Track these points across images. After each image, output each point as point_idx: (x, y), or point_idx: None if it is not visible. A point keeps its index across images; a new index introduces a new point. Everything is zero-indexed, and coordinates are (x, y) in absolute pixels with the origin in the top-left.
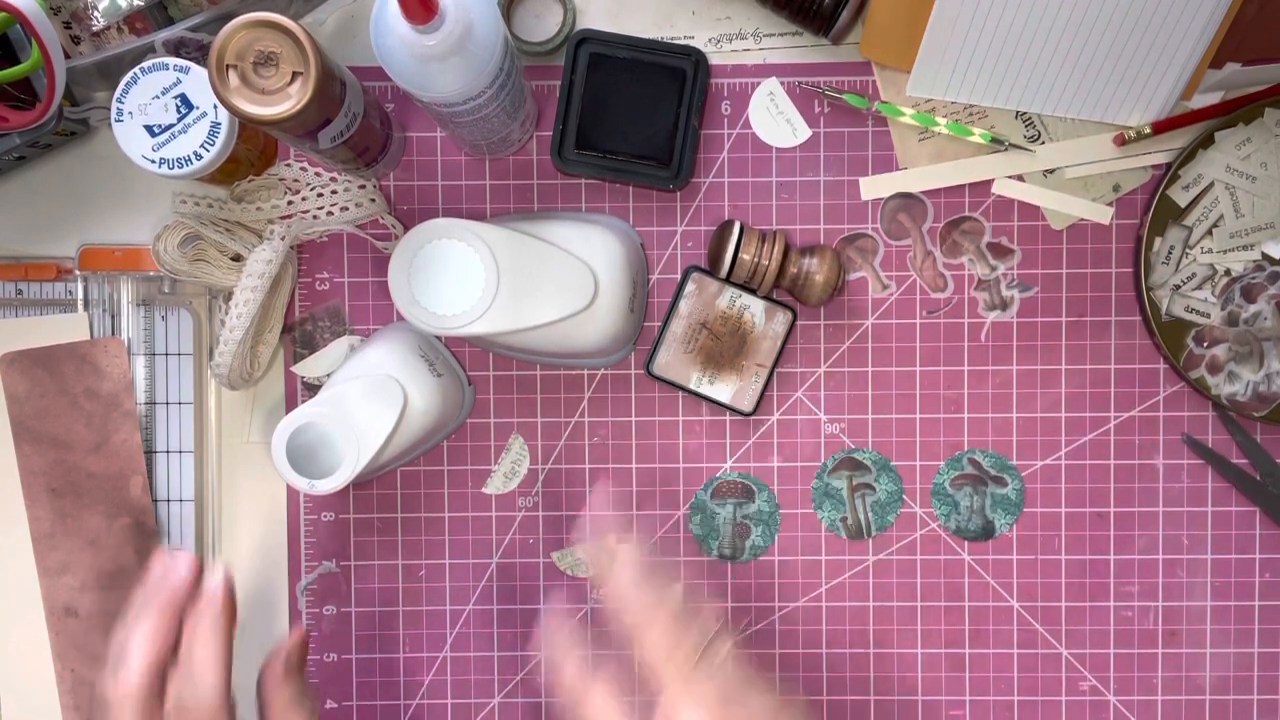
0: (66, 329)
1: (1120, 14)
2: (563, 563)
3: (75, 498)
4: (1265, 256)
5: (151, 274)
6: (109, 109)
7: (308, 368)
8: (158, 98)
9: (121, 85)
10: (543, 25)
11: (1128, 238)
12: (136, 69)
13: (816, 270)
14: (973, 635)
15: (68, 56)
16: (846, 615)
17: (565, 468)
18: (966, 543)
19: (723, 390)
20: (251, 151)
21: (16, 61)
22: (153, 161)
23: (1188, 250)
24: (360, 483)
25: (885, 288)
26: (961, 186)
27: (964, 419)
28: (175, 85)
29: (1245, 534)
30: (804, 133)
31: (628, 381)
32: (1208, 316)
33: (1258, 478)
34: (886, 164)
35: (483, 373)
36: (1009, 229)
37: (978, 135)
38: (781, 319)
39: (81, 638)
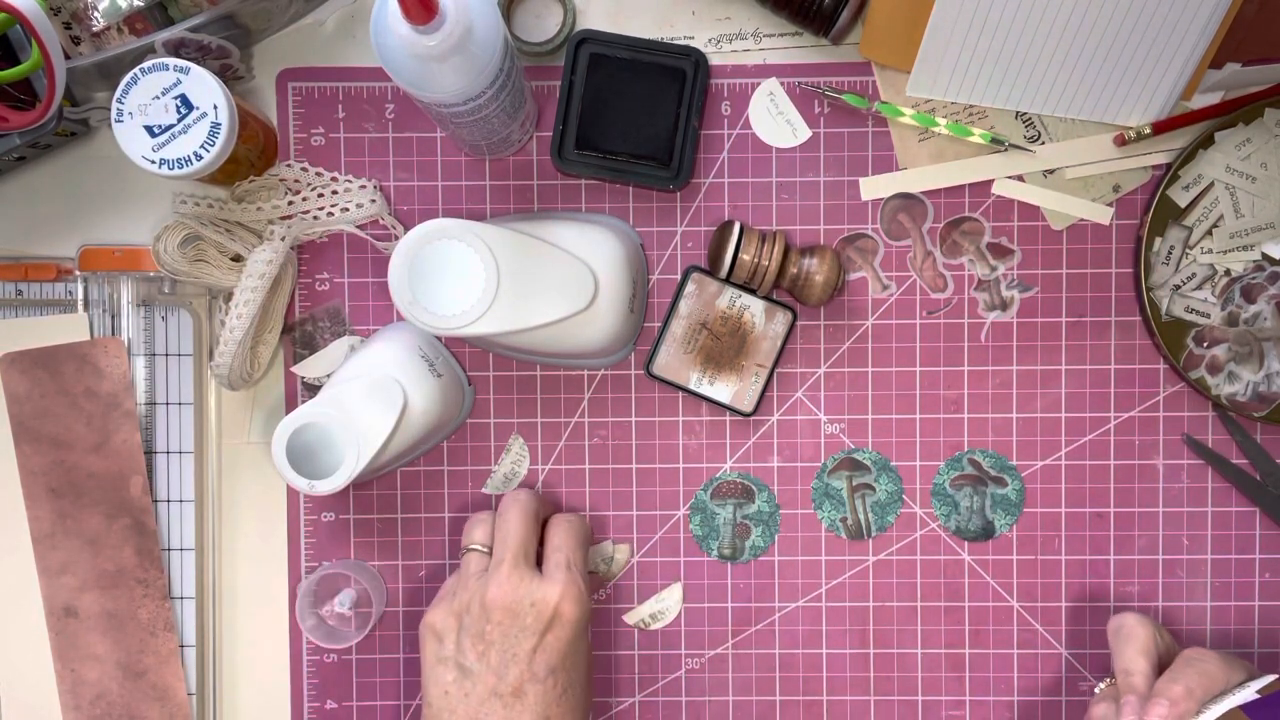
0: (66, 329)
1: (1120, 14)
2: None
3: (75, 498)
4: (1265, 256)
5: (151, 274)
6: (109, 109)
7: (308, 368)
8: (158, 98)
9: (121, 85)
10: (543, 25)
11: (1128, 238)
12: (136, 69)
13: (816, 270)
14: (973, 635)
15: (68, 56)
16: (846, 615)
17: (565, 468)
18: (966, 543)
19: (723, 390)
20: (252, 152)
21: (16, 61)
22: (153, 162)
23: (1188, 250)
24: (360, 483)
25: (885, 288)
26: (961, 186)
27: (964, 419)
28: (175, 85)
29: (1245, 534)
30: (804, 133)
31: (628, 381)
32: (1208, 316)
33: (1258, 478)
34: (886, 164)
35: (483, 373)
36: (1009, 229)
37: (978, 135)
38: (781, 319)
39: (81, 638)
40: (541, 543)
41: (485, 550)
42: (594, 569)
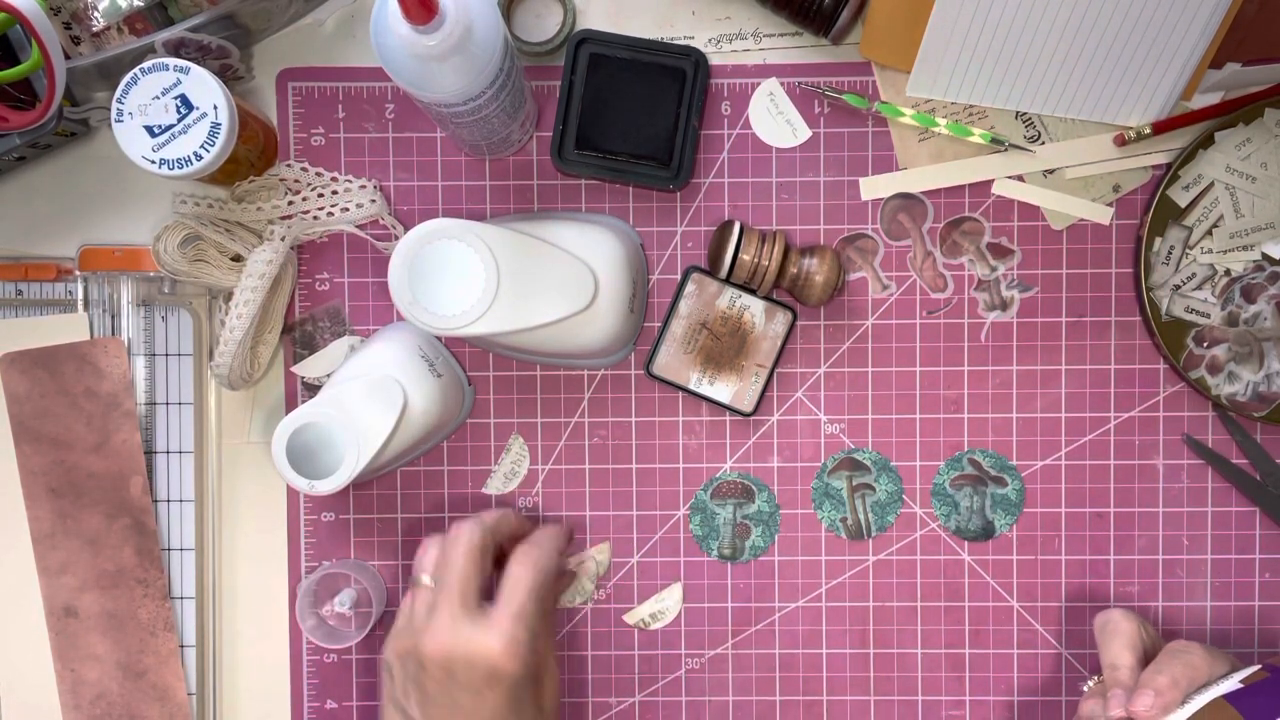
0: (66, 329)
1: (1120, 14)
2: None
3: (75, 498)
4: (1265, 256)
5: (151, 274)
6: (109, 109)
7: (308, 368)
8: (158, 98)
9: (121, 85)
10: (543, 25)
11: (1128, 238)
12: (136, 69)
13: (816, 270)
14: (973, 635)
15: (68, 56)
16: (846, 615)
17: (565, 468)
18: (966, 543)
19: (723, 390)
20: (252, 152)
21: (16, 61)
22: (153, 162)
23: (1188, 250)
24: (360, 483)
25: (885, 288)
26: (961, 186)
27: (964, 419)
28: (175, 86)
29: (1245, 534)
30: (804, 133)
31: (628, 381)
32: (1208, 316)
33: (1258, 478)
34: (886, 164)
35: (483, 373)
36: (1009, 229)
37: (978, 135)
38: (781, 319)
39: (81, 638)
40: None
41: (433, 584)
42: (573, 601)
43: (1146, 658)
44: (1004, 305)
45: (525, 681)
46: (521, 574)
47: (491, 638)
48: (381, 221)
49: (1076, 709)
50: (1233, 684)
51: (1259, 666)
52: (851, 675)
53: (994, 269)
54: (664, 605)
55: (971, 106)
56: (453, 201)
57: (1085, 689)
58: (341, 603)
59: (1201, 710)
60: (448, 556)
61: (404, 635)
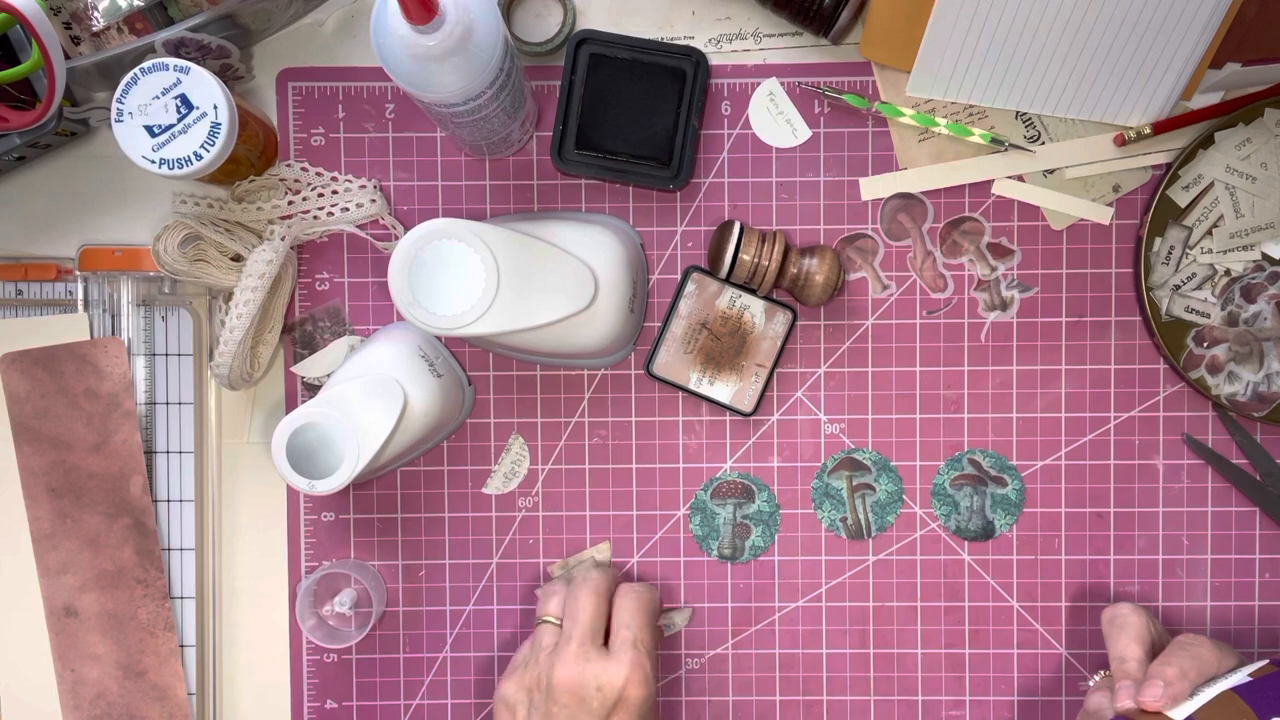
0: (66, 329)
1: (1120, 14)
2: (559, 574)
3: (75, 498)
4: (1265, 256)
5: (151, 274)
6: (109, 109)
7: (308, 368)
8: (158, 98)
9: (121, 85)
10: (543, 25)
11: (1128, 238)
12: (136, 69)
13: (816, 270)
14: (973, 635)
15: (68, 56)
16: (846, 615)
17: (565, 468)
18: (966, 543)
19: (723, 390)
20: (252, 152)
21: (16, 61)
22: (153, 161)
23: (1188, 250)
24: (360, 483)
25: (885, 288)
26: (961, 186)
27: (964, 419)
28: (175, 85)
29: (1245, 534)
30: (804, 133)
31: (628, 381)
32: (1208, 316)
33: (1258, 478)
34: (886, 164)
35: (483, 373)
36: (1009, 229)
37: (978, 135)
38: (781, 319)
39: (81, 638)
40: (611, 615)
41: (557, 623)
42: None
43: (1154, 652)
44: (1004, 305)
45: (647, 709)
46: (634, 608)
47: (620, 666)
48: (381, 221)
49: (1084, 702)
50: (1241, 677)
51: (1267, 661)
52: (851, 675)
53: (994, 269)
54: (670, 620)
55: (971, 106)
56: (453, 201)
57: (1091, 683)
58: (341, 603)
59: (1210, 702)
60: (576, 597)
61: (528, 669)
